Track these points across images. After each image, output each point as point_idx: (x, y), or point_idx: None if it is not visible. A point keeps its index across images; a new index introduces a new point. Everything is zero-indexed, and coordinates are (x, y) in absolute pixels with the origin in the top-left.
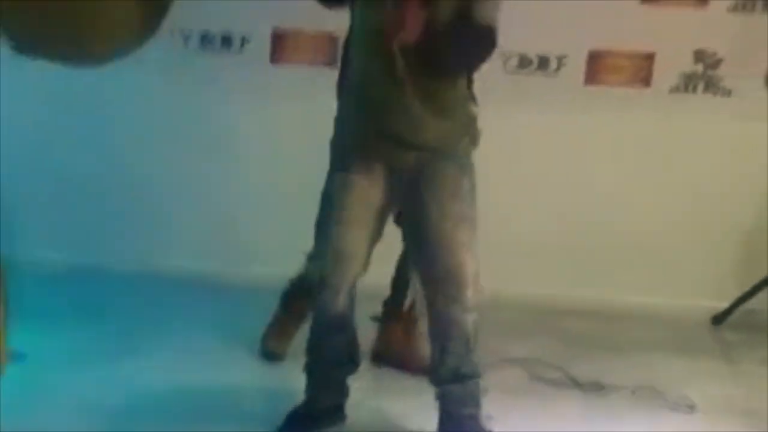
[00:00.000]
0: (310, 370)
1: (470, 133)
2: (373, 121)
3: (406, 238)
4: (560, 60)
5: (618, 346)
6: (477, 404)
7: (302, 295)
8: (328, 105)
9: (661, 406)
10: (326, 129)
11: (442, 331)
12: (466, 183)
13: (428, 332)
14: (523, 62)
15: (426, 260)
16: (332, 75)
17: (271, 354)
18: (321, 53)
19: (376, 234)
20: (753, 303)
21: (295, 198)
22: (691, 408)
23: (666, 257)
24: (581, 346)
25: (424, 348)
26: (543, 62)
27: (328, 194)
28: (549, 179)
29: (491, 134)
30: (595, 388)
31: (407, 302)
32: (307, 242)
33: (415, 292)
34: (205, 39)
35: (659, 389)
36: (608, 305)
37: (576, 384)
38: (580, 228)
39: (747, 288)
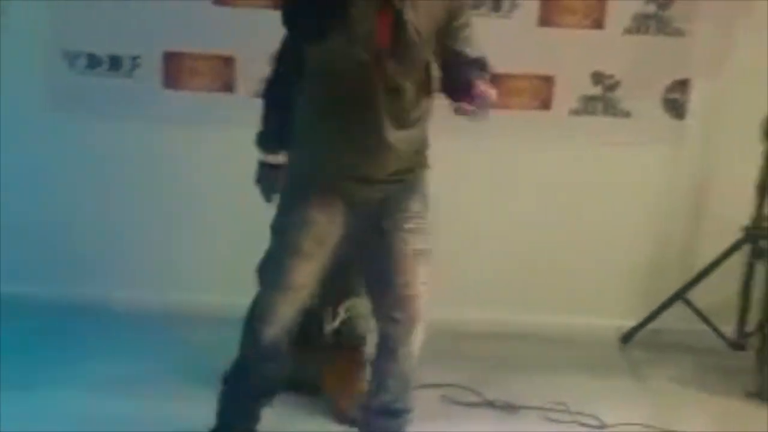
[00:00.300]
0: (229, 396)
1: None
2: (340, 158)
3: (363, 269)
4: None
5: (530, 367)
6: None
7: None
8: (225, 131)
9: (571, 425)
10: (220, 154)
11: (386, 365)
12: (427, 217)
13: (373, 363)
14: None
15: (383, 293)
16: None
17: None
18: (217, 77)
19: (328, 268)
20: (660, 321)
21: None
22: (601, 426)
23: (574, 278)
24: (493, 368)
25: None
26: None
27: (283, 227)
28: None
29: None
30: (508, 408)
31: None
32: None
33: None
34: (93, 60)
35: (570, 408)
36: (519, 327)
37: (490, 405)
38: (486, 251)
39: (654, 307)
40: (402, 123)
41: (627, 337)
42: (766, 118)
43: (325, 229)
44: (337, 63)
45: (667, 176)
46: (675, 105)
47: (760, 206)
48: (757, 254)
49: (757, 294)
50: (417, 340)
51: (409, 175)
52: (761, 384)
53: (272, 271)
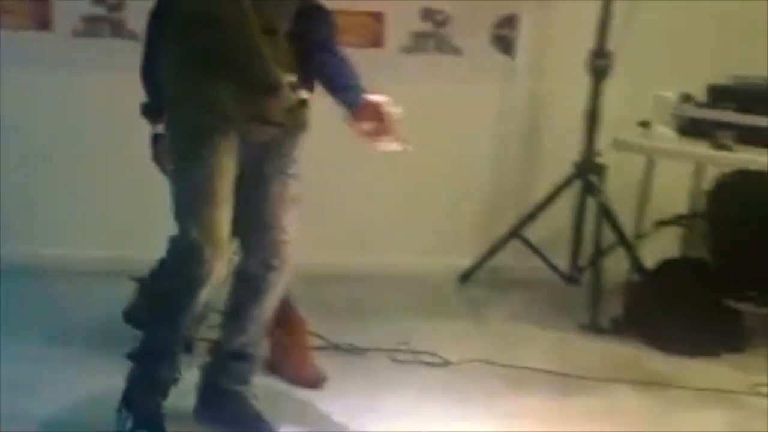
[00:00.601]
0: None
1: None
2: (238, 100)
3: (238, 211)
4: None
5: (374, 309)
6: (248, 383)
7: None
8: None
9: (416, 364)
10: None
11: (250, 309)
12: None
13: (231, 304)
14: None
15: (259, 237)
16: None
17: None
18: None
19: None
20: (497, 259)
21: None
22: (444, 364)
23: (411, 217)
24: (338, 311)
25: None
26: None
27: (195, 179)
28: None
29: None
30: (354, 351)
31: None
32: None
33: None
34: None
35: (414, 348)
36: (363, 269)
37: (335, 349)
38: (326, 194)
39: (491, 245)
40: (281, 65)
41: (465, 276)
42: (591, 53)
43: (230, 169)
44: (213, 6)
45: (498, 114)
46: (504, 41)
47: (589, 142)
48: (587, 189)
49: (589, 228)
50: (282, 285)
51: (292, 119)
52: (593, 317)
53: (192, 226)
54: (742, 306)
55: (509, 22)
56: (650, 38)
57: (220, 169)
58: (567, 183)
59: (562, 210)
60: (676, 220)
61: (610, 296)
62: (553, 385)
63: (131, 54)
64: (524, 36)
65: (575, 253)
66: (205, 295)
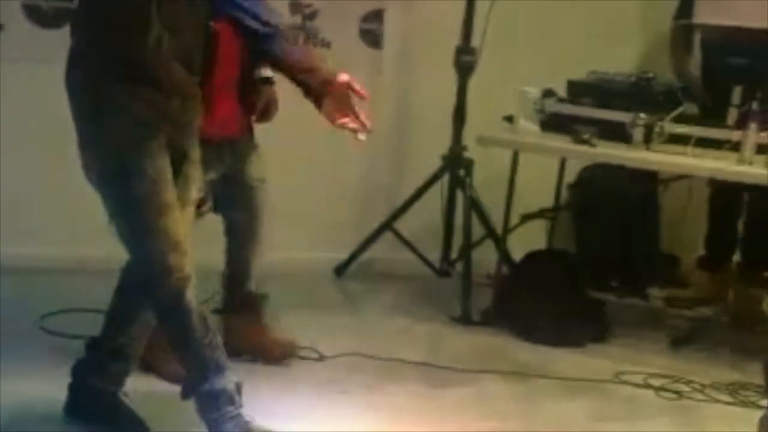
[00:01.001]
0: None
1: None
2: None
3: None
4: None
5: None
6: (122, 384)
7: None
8: None
9: (291, 359)
10: None
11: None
12: None
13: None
14: None
15: None
16: None
17: None
18: None
19: None
20: (371, 252)
21: None
22: (319, 359)
23: (284, 213)
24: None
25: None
26: None
27: (138, 194)
28: None
29: None
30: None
31: (248, 287)
32: None
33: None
34: None
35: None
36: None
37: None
38: None
39: (364, 238)
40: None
41: (340, 270)
42: (456, 50)
43: (168, 174)
44: (117, 10)
45: (368, 107)
46: (371, 35)
47: (456, 136)
48: (456, 183)
49: (459, 222)
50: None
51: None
52: (464, 309)
53: (151, 241)
54: (604, 296)
55: (376, 16)
56: (514, 35)
57: (161, 174)
58: (436, 177)
59: (434, 203)
60: (542, 213)
61: (481, 288)
62: (426, 377)
63: None
64: (391, 30)
65: (446, 246)
66: (192, 299)
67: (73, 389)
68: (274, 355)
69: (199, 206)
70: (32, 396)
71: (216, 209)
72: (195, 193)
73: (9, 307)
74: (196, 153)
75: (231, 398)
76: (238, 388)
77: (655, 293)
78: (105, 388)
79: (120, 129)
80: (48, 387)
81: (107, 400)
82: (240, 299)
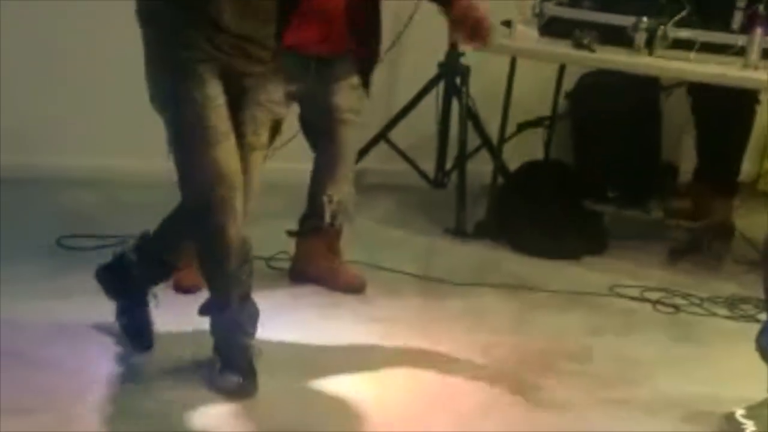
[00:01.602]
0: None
1: None
2: (227, 29)
3: None
4: None
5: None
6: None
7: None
8: None
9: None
10: None
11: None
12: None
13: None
14: None
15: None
16: None
17: None
18: None
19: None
20: (364, 162)
21: None
22: None
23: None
24: None
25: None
26: None
27: (184, 120)
28: None
29: None
30: None
31: (327, 215)
32: None
33: (336, 204)
34: None
35: (290, 254)
36: None
37: None
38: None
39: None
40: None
41: None
42: None
43: (221, 102)
44: None
45: None
46: None
47: (452, 42)
48: (452, 91)
49: (454, 132)
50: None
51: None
52: (459, 221)
53: (198, 171)
54: (602, 207)
55: None
56: None
57: (211, 101)
58: (431, 85)
59: (430, 112)
60: (539, 122)
61: (476, 199)
62: (420, 289)
63: None
64: None
65: (441, 156)
66: (236, 234)
67: (116, 262)
68: (338, 285)
69: (275, 128)
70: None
71: (304, 133)
72: (264, 137)
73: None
74: (267, 95)
75: (244, 330)
76: (254, 317)
77: (655, 205)
78: (139, 281)
79: (168, 53)
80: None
81: (136, 288)
82: (313, 226)
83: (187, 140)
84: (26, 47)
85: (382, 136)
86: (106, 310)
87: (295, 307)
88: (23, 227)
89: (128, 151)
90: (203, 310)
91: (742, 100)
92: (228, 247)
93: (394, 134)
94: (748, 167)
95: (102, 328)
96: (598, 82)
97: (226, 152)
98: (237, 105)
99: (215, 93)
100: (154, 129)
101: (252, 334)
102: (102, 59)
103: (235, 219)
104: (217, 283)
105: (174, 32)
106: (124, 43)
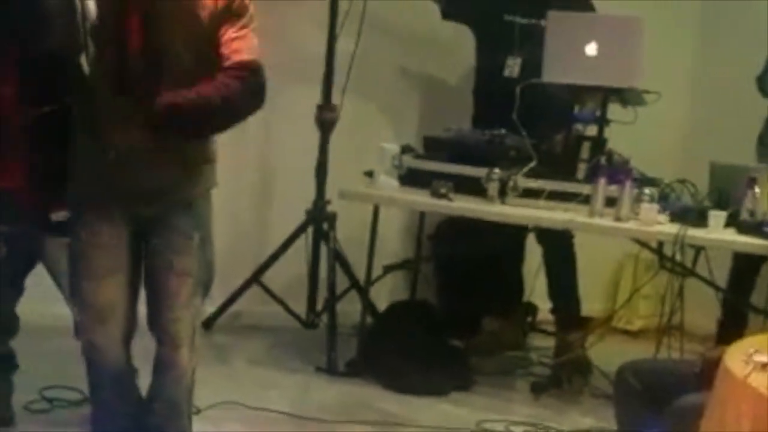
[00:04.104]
0: None
1: (206, 175)
2: (111, 170)
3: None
4: None
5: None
6: None
7: None
8: None
9: None
10: None
11: (155, 386)
12: (197, 236)
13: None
14: None
15: (151, 313)
16: None
17: None
18: None
19: (137, 282)
20: (239, 305)
21: None
22: (196, 412)
23: None
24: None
25: None
26: None
27: (74, 251)
28: None
29: None
30: None
31: None
32: None
33: None
34: None
35: None
36: None
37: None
38: None
39: (232, 291)
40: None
41: (209, 323)
42: (317, 107)
43: (114, 242)
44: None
45: (233, 162)
46: None
47: (319, 190)
48: (320, 236)
49: (324, 274)
50: (185, 366)
51: (179, 193)
52: (330, 360)
53: (78, 301)
54: (465, 344)
55: None
56: (372, 92)
57: (97, 240)
58: (300, 231)
59: (299, 256)
60: (404, 265)
61: (347, 339)
62: (294, 428)
63: None
64: None
65: (312, 298)
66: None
67: None
68: None
69: None
70: None
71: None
72: (184, 263)
73: None
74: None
75: None
76: None
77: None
78: None
79: (70, 187)
80: None
81: None
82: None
83: (70, 269)
84: None
85: (254, 279)
86: None
87: None
88: None
89: None
90: None
91: (565, 240)
92: (94, 371)
93: (267, 277)
94: (602, 306)
95: None
96: (454, 227)
97: (100, 289)
98: (146, 231)
99: (104, 230)
100: None
101: None
102: None
103: (97, 351)
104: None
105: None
106: None
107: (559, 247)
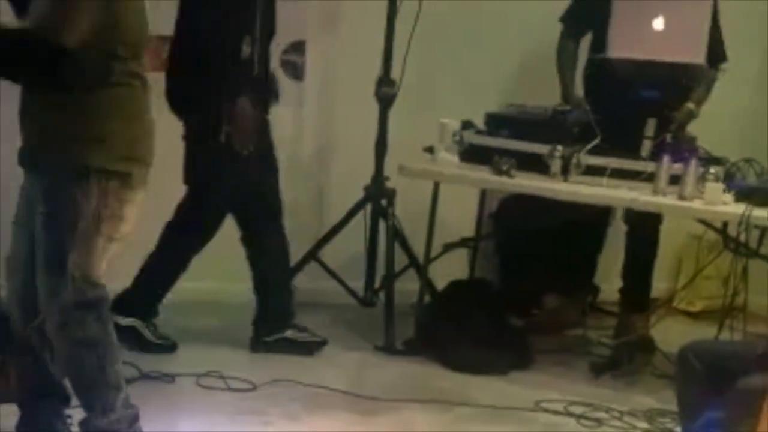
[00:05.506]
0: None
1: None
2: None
3: None
4: None
5: (183, 336)
6: None
7: None
8: None
9: (223, 391)
10: None
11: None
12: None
13: None
14: None
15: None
16: None
17: None
18: None
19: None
20: (295, 281)
21: None
22: (252, 388)
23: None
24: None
25: None
26: None
27: None
28: None
29: None
30: (165, 378)
31: None
32: None
33: None
34: None
35: (223, 374)
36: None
37: (147, 377)
38: None
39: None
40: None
41: None
42: (377, 81)
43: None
44: None
45: (290, 138)
46: (293, 66)
47: (378, 167)
48: (378, 213)
49: (382, 251)
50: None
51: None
52: (388, 338)
53: None
54: (524, 323)
55: (298, 47)
56: (435, 66)
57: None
58: (358, 207)
59: (357, 233)
60: (463, 243)
61: (405, 317)
62: (351, 406)
63: None
64: (312, 62)
65: (370, 275)
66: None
67: None
68: None
69: None
70: None
71: None
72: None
73: None
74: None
75: None
76: None
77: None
78: None
79: None
80: None
81: None
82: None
83: None
84: None
85: (312, 255)
86: None
87: (224, 425)
88: None
89: None
90: None
91: (653, 222)
92: None
93: (324, 254)
94: (665, 286)
95: None
96: (517, 204)
97: (18, 236)
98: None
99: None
100: None
101: None
102: None
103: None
104: None
105: None
106: None
107: (646, 227)
